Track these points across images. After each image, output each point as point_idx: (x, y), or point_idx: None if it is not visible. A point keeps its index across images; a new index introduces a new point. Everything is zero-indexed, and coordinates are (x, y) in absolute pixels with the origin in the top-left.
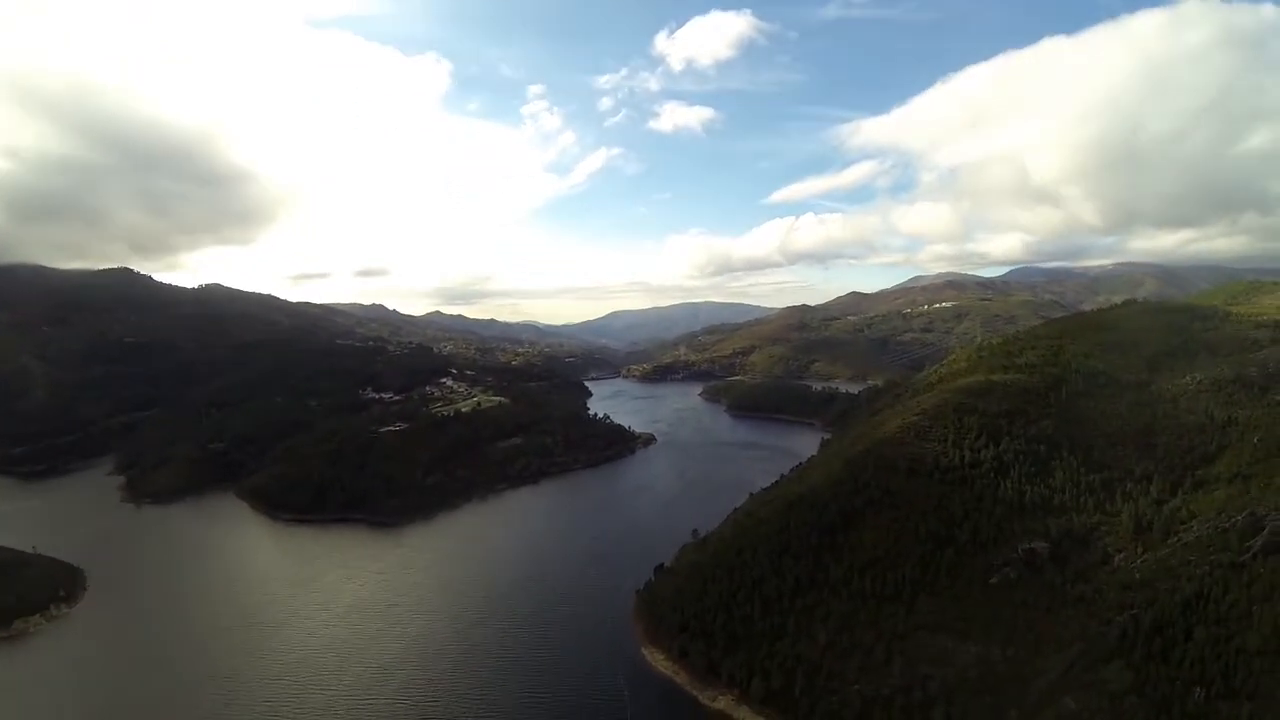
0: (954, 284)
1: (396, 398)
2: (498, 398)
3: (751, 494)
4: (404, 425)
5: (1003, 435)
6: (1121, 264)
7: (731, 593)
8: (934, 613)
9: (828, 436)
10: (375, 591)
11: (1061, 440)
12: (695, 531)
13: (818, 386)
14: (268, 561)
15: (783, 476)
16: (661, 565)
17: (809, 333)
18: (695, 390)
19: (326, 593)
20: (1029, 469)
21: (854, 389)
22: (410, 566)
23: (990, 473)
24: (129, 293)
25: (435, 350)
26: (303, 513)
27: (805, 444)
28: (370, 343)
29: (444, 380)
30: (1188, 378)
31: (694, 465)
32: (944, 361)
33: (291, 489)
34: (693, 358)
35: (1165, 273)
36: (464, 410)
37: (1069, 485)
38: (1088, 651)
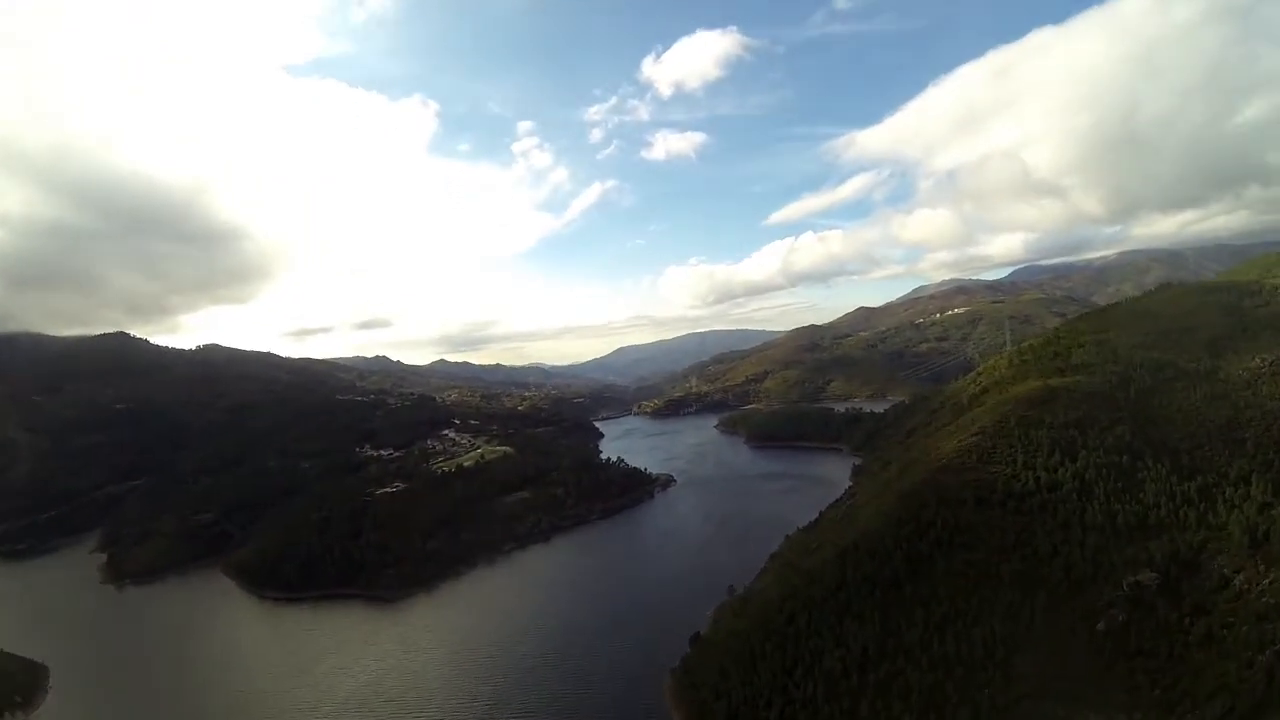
0: (962, 289)
1: (396, 454)
2: (502, 448)
3: (788, 535)
4: (401, 485)
5: (1078, 448)
6: (1124, 252)
7: (787, 669)
8: (1036, 675)
9: (859, 461)
10: (373, 682)
11: (1143, 447)
12: (731, 588)
13: (840, 408)
14: (253, 650)
15: (821, 514)
16: (698, 634)
17: (821, 353)
18: (710, 422)
19: (317, 688)
20: (1115, 485)
21: (877, 407)
22: (412, 649)
23: (1073, 494)
24: (124, 357)
25: (437, 400)
26: (291, 590)
27: (834, 470)
28: (371, 396)
29: (445, 432)
30: (1257, 360)
31: (719, 504)
32: (981, 369)
33: (278, 564)
34: (704, 389)
35: (1170, 256)
36: (466, 464)
37: (1163, 498)
38: (1234, 706)
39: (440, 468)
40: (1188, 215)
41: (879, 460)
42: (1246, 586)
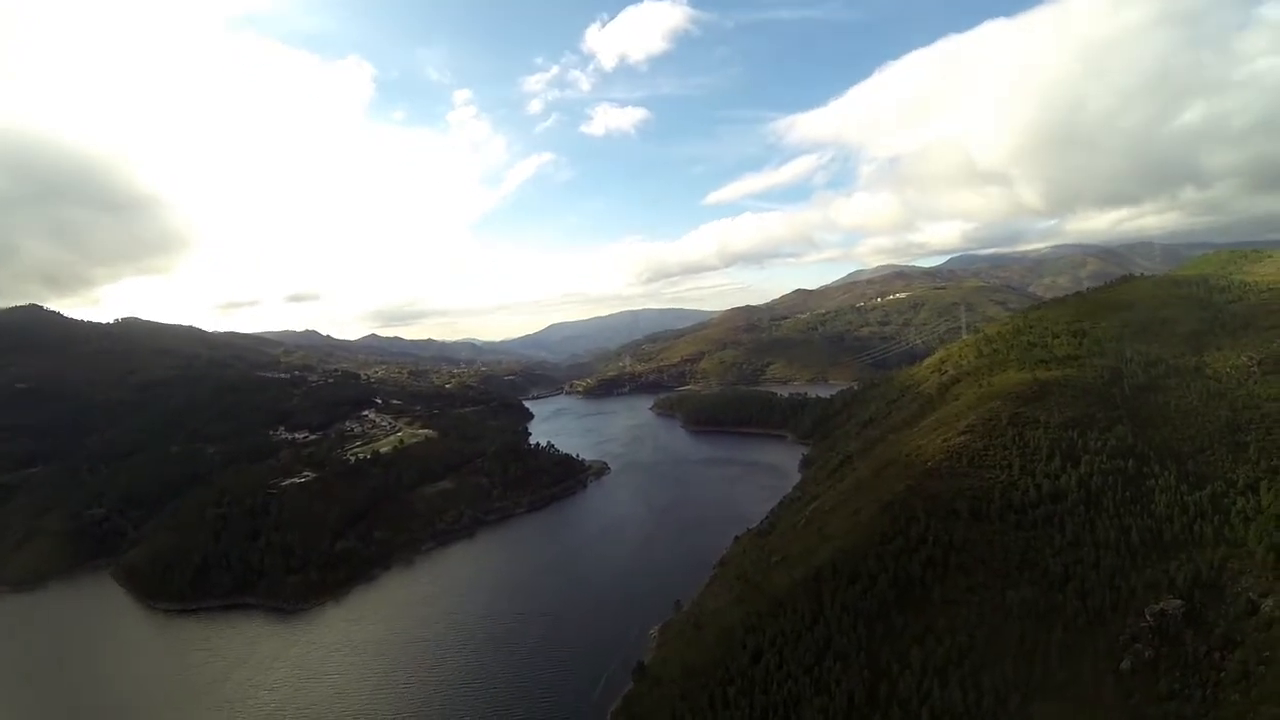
0: (900, 275)
1: (311, 437)
2: (424, 431)
3: (737, 537)
4: (311, 475)
5: (1079, 452)
6: (1058, 246)
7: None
8: None
9: (806, 451)
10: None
11: (1147, 450)
12: (678, 603)
13: (783, 392)
14: (129, 678)
15: (776, 515)
16: (641, 665)
17: (759, 334)
18: (645, 404)
19: None
20: (1123, 495)
21: (820, 392)
22: (311, 673)
23: (1079, 505)
24: (33, 332)
25: (362, 378)
26: (184, 600)
27: (779, 458)
28: (294, 373)
29: (366, 413)
30: (1244, 358)
31: (658, 495)
32: (944, 356)
33: (168, 569)
34: (638, 368)
35: (1105, 252)
36: (384, 451)
37: (1175, 510)
38: None
39: (355, 454)
40: (1123, 213)
41: (834, 452)
42: (1278, 613)
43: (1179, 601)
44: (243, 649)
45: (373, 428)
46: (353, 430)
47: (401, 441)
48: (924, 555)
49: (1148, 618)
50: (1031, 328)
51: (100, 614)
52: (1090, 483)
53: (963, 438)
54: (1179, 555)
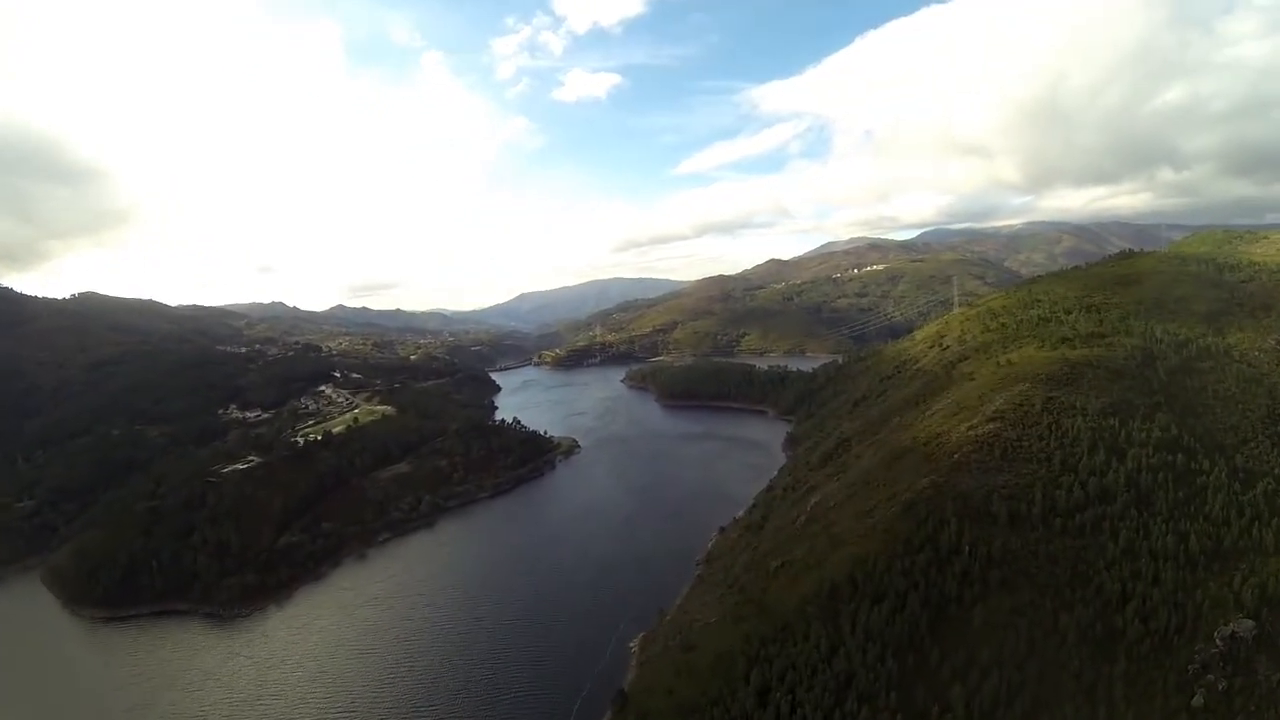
0: (875, 246)
1: (263, 415)
2: (382, 408)
3: (722, 528)
4: (256, 459)
5: (1123, 444)
6: (1031, 222)
7: None
8: None
9: (791, 429)
10: None
11: (1193, 442)
12: (661, 611)
13: (761, 365)
14: (42, 706)
15: (767, 505)
16: (622, 694)
17: (733, 303)
18: (616, 376)
19: None
20: (1176, 495)
21: (798, 365)
22: (247, 696)
23: (1131, 508)
24: None
25: (323, 350)
26: (111, 606)
27: (761, 433)
28: (254, 346)
29: (323, 388)
30: (1272, 340)
31: (633, 476)
32: (941, 330)
33: (94, 572)
34: (609, 338)
35: (1079, 230)
36: (336, 431)
37: (1232, 513)
38: None
39: (306, 435)
40: (1098, 191)
41: (824, 433)
42: None
43: (1250, 622)
44: (173, 665)
45: (328, 404)
46: (307, 407)
47: (356, 420)
48: (959, 568)
49: (1218, 642)
50: (1039, 301)
51: (17, 624)
52: (1139, 480)
53: (992, 425)
54: (1241, 565)
